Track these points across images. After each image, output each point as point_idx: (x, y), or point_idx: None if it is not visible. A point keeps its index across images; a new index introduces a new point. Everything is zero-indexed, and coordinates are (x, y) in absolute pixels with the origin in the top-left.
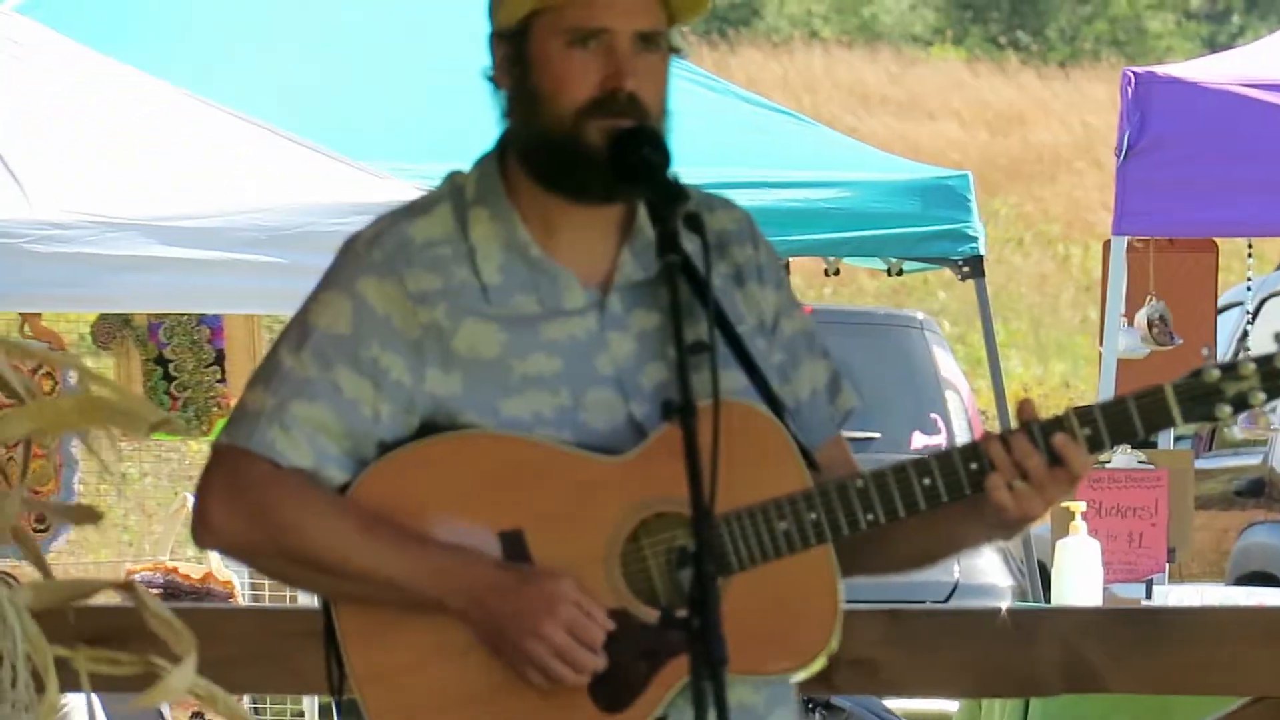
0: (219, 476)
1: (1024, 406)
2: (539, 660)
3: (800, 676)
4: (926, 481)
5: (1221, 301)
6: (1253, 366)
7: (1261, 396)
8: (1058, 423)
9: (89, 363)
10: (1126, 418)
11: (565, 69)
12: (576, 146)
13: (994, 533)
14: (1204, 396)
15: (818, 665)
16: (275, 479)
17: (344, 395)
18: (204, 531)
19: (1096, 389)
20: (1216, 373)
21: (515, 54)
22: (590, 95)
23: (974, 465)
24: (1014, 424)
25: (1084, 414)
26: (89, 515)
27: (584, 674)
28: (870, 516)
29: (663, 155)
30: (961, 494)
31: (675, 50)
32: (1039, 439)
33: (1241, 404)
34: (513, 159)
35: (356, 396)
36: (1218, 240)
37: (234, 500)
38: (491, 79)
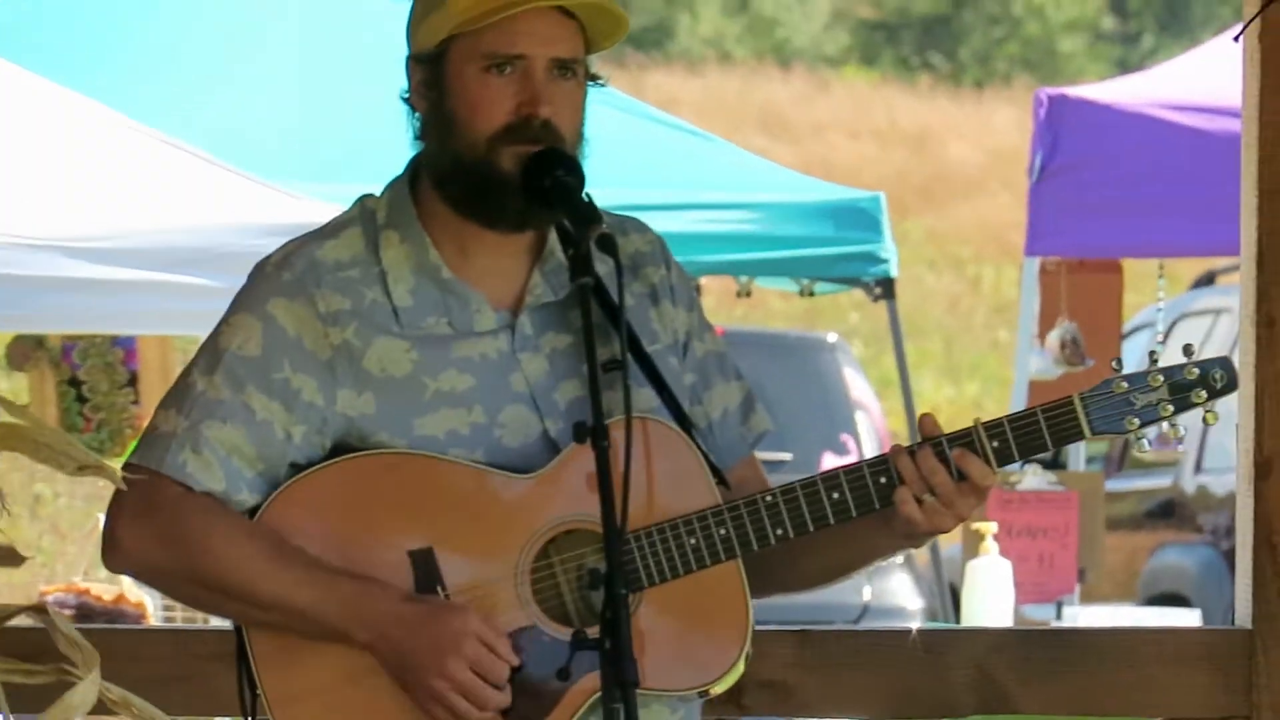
0: (129, 499)
1: (924, 422)
2: (443, 698)
3: (715, 691)
4: (835, 496)
5: (1133, 323)
6: (1161, 378)
7: (1170, 409)
8: (965, 436)
9: (2, 384)
10: (1035, 430)
11: (481, 94)
12: (490, 172)
13: (903, 544)
14: (1112, 409)
15: (731, 679)
16: (186, 503)
17: (256, 417)
18: (113, 554)
19: (1008, 410)
20: (1125, 384)
21: (432, 78)
22: (505, 121)
23: (883, 479)
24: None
25: (992, 427)
26: (12, 558)
27: (488, 711)
28: (779, 531)
29: (576, 177)
30: (870, 508)
31: (594, 78)
32: (946, 454)
33: (1150, 416)
34: (426, 182)
35: (268, 418)
36: (1129, 261)
37: (144, 523)
38: (407, 101)
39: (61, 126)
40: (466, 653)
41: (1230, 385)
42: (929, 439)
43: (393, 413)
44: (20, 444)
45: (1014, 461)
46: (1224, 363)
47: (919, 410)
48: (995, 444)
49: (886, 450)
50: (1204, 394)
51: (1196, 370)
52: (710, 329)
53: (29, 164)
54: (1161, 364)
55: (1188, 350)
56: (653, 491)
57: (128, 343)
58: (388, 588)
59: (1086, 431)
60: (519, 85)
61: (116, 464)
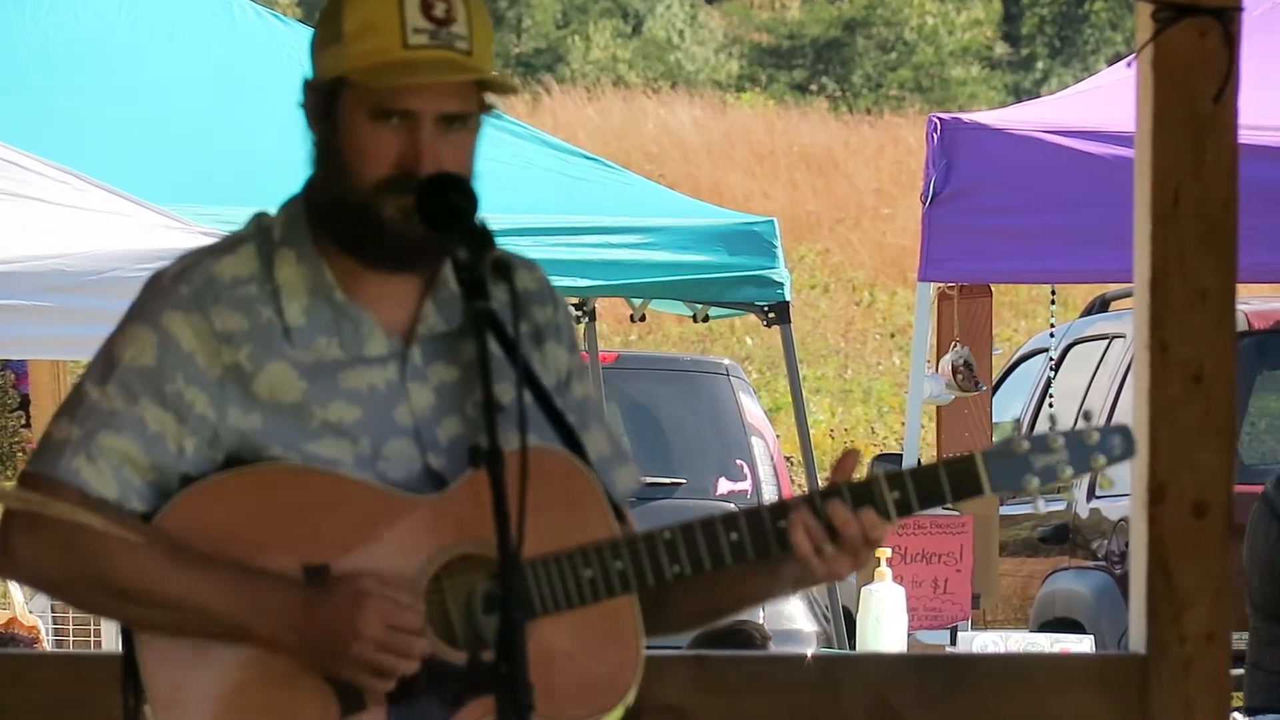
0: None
1: (844, 462)
2: (366, 659)
3: None
4: (734, 536)
5: (1025, 349)
6: (1061, 441)
7: (1069, 471)
8: (866, 486)
9: None
10: (936, 484)
11: (367, 142)
12: (371, 217)
13: (788, 589)
14: (1013, 468)
15: (616, 714)
16: (81, 508)
17: (148, 429)
18: (7, 562)
19: (903, 435)
20: (1026, 444)
21: (325, 109)
22: (387, 173)
23: (780, 523)
24: (824, 478)
25: (894, 478)
26: None
27: (412, 658)
28: (676, 569)
29: (470, 201)
30: (768, 551)
31: (489, 109)
32: (848, 503)
33: (1050, 476)
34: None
35: (160, 430)
36: (1023, 287)
37: (39, 530)
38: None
39: None
40: (373, 609)
41: (1128, 453)
42: (827, 490)
43: (282, 433)
44: None
45: (912, 512)
46: (1124, 431)
47: (814, 435)
48: (896, 495)
49: (781, 475)
50: (1102, 459)
51: (1097, 435)
52: (587, 372)
53: None
54: (1062, 426)
55: (1088, 416)
56: (549, 521)
57: (19, 366)
58: (282, 579)
59: (986, 488)
60: (404, 139)
61: (9, 486)
